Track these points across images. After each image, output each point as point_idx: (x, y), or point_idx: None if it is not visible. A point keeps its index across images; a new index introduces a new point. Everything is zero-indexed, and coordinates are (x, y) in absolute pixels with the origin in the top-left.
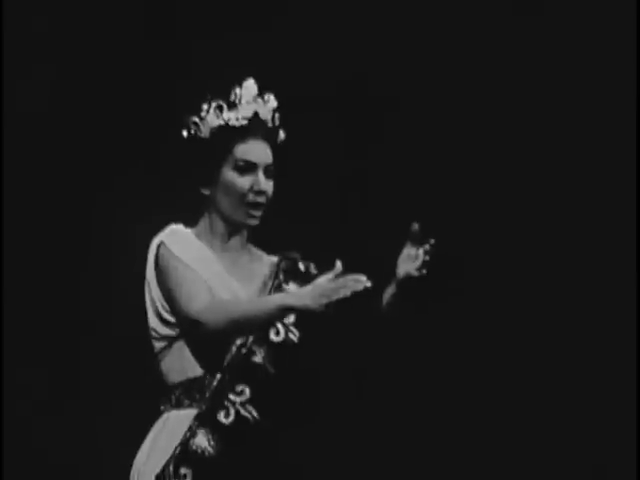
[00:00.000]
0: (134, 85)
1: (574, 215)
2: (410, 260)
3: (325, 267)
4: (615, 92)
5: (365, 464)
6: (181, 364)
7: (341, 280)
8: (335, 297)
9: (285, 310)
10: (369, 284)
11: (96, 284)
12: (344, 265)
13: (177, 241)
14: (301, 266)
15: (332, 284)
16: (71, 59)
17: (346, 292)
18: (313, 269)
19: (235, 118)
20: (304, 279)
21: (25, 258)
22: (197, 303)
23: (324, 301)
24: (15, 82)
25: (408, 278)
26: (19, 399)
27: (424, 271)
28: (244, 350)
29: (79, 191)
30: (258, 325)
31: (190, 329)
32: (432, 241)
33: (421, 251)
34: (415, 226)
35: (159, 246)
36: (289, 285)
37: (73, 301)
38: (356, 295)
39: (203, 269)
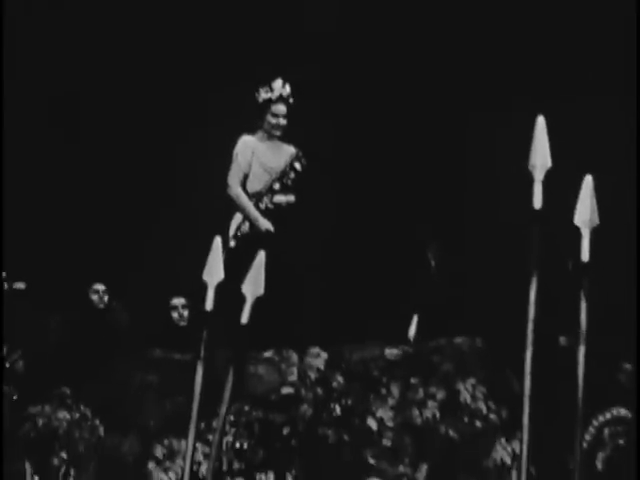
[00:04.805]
0: (236, 73)
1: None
2: None
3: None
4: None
5: None
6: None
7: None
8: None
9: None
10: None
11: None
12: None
13: (242, 143)
14: (301, 156)
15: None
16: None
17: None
18: (304, 161)
19: (272, 96)
20: (300, 163)
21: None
22: (232, 188)
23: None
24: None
25: None
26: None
27: None
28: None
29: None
30: (246, 215)
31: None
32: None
33: None
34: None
35: (236, 153)
36: (295, 166)
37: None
38: None
39: (255, 152)
